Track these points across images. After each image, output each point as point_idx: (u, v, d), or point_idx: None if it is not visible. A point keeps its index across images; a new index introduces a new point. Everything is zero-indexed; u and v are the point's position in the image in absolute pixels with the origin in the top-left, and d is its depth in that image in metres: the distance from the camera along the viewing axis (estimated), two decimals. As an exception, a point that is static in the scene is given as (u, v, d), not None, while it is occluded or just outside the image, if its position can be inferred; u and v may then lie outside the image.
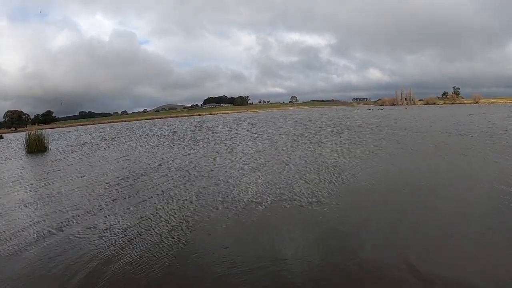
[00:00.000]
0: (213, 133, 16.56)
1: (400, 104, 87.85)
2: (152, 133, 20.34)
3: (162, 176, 6.06)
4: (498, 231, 2.82)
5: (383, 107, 65.90)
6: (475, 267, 2.30)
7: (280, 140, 10.73)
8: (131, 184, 5.52)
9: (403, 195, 3.98)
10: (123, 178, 6.08)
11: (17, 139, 23.84)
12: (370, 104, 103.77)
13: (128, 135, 20.27)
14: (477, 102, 70.78)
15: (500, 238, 2.71)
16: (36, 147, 12.84)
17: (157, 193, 4.79)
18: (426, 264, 2.35)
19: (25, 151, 12.94)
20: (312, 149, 8.18)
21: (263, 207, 3.79)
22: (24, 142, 13.16)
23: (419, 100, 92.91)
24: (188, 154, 8.85)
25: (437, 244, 2.65)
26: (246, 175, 5.61)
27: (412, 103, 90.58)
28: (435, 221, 3.11)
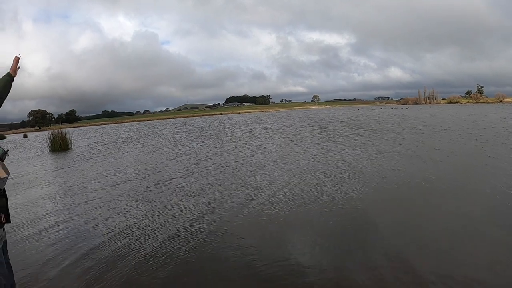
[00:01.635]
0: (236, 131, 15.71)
1: (424, 103, 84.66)
2: (175, 132, 19.77)
3: (184, 170, 6.17)
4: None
5: (407, 106, 63.82)
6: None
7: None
8: (152, 179, 5.52)
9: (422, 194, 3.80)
10: (145, 174, 6.08)
11: (41, 137, 23.99)
12: (392, 103, 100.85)
13: (151, 133, 19.81)
14: (501, 101, 67.05)
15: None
16: (60, 146, 12.52)
17: (179, 187, 4.80)
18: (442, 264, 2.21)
19: (49, 150, 12.66)
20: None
21: (281, 205, 3.66)
22: (48, 140, 12.93)
23: (442, 99, 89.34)
24: (210, 151, 8.79)
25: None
26: (268, 173, 5.44)
27: (435, 102, 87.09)
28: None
